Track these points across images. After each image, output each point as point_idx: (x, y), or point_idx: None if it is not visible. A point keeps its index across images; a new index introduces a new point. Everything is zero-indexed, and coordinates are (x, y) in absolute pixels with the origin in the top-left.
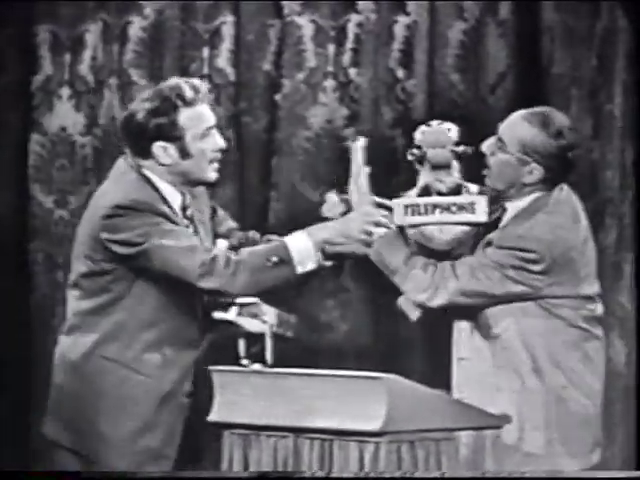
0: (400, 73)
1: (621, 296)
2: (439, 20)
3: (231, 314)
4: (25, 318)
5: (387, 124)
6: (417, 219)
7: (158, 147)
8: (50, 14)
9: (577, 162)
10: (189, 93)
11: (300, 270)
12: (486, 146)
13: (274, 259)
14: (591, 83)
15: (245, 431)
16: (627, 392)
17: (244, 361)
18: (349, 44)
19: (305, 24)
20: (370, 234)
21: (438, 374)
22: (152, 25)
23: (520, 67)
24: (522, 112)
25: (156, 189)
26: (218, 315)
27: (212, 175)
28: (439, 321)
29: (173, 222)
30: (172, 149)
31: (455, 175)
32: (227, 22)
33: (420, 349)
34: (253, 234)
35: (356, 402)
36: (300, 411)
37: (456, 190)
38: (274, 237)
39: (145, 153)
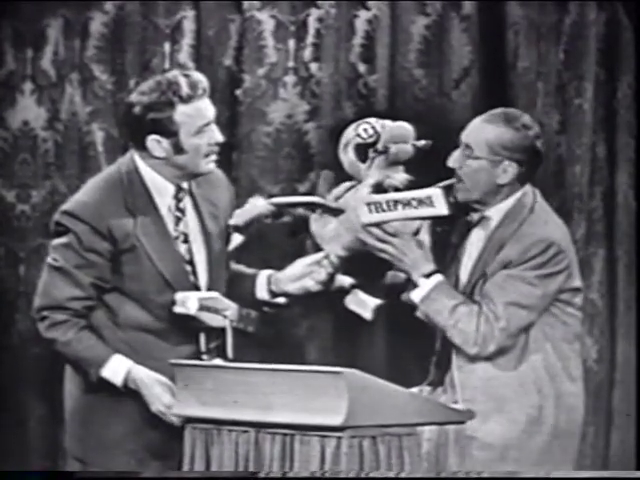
0: (362, 68)
1: (591, 293)
2: (400, 15)
3: (192, 309)
4: None
5: (348, 119)
6: (381, 216)
7: (152, 140)
8: (11, 10)
9: (544, 153)
10: (186, 90)
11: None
12: (453, 160)
13: (84, 367)
14: (558, 78)
15: (206, 426)
16: (599, 389)
17: (204, 356)
18: (310, 39)
19: (265, 19)
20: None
21: (400, 370)
22: (113, 20)
23: (484, 62)
24: (482, 116)
25: (142, 182)
26: (179, 309)
27: (207, 168)
28: (401, 317)
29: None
30: (166, 143)
31: (401, 171)
32: (188, 17)
33: (382, 344)
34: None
35: (317, 397)
36: (261, 406)
37: (409, 186)
38: (240, 267)
39: (140, 145)
